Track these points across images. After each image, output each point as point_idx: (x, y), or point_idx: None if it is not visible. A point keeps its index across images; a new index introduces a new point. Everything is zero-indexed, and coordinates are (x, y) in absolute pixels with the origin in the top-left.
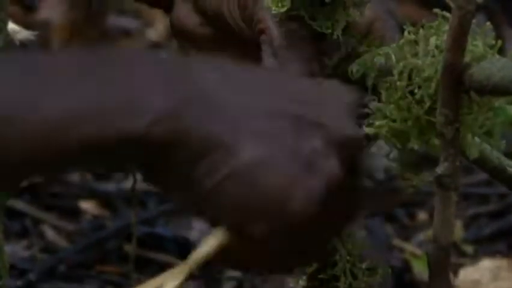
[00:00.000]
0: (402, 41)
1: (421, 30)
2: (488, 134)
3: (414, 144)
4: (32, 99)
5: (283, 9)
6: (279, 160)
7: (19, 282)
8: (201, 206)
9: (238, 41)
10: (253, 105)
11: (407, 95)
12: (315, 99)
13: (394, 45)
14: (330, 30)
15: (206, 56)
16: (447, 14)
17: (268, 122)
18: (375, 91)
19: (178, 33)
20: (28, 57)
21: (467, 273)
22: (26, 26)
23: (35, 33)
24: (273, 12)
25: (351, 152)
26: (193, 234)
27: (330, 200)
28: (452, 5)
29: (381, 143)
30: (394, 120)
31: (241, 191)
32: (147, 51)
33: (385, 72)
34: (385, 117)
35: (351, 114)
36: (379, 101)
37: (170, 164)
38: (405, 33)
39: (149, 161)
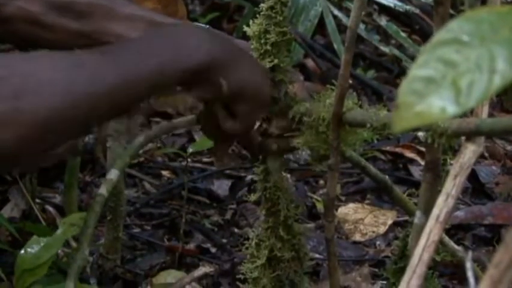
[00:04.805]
0: (313, 100)
1: (322, 95)
2: (354, 145)
3: (324, 152)
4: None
5: None
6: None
7: None
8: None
9: None
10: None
11: (316, 127)
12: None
13: (308, 103)
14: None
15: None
16: (334, 87)
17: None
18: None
19: None
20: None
21: (341, 210)
22: None
23: None
24: None
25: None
26: None
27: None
28: (335, 82)
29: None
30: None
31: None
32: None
33: (305, 114)
34: (304, 137)
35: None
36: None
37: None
38: (315, 96)
39: (191, 79)
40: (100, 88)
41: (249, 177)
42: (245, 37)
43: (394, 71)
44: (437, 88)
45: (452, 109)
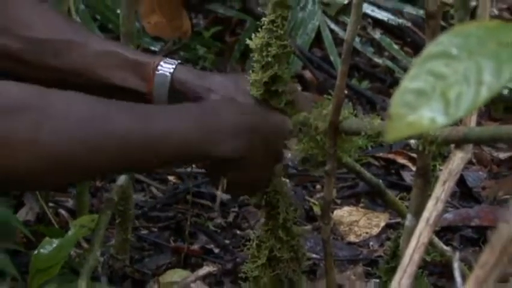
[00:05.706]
0: (313, 110)
1: (320, 105)
2: (349, 152)
3: (321, 158)
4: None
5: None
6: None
7: None
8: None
9: None
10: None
11: (314, 136)
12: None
13: (306, 113)
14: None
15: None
16: (330, 97)
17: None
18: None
19: None
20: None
21: (337, 213)
22: None
23: None
24: None
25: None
26: None
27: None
28: (332, 92)
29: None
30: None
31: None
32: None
33: (303, 123)
34: (303, 145)
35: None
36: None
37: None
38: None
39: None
40: (119, 138)
41: None
42: (247, 50)
43: (387, 82)
44: (427, 100)
45: (441, 120)
